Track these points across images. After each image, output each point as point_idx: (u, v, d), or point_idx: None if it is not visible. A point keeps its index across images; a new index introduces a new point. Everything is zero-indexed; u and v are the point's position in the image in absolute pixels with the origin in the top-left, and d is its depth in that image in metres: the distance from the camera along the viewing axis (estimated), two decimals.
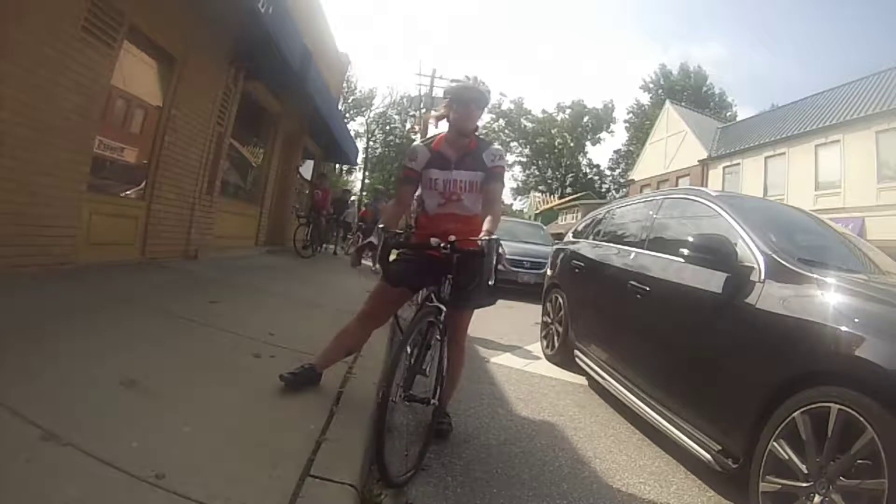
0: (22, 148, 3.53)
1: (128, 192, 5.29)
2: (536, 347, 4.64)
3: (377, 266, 2.61)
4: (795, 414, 1.68)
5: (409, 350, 2.05)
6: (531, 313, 6.23)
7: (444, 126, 2.26)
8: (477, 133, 2.26)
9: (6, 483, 1.27)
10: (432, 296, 2.06)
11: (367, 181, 42.61)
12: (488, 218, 2.07)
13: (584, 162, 52.74)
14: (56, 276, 3.79)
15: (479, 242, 1.92)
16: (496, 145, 2.28)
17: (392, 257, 2.13)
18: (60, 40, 3.71)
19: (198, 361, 2.44)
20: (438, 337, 2.04)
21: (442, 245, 1.98)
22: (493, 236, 1.94)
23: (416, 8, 73.12)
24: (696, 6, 68.64)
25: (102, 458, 1.45)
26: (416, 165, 2.24)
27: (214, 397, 2.04)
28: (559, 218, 42.93)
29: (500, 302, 2.29)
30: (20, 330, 2.40)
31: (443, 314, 2.01)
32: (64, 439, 1.52)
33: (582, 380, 3.74)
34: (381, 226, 2.07)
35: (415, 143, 2.39)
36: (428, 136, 2.35)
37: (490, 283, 1.96)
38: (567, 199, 46.18)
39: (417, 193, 2.34)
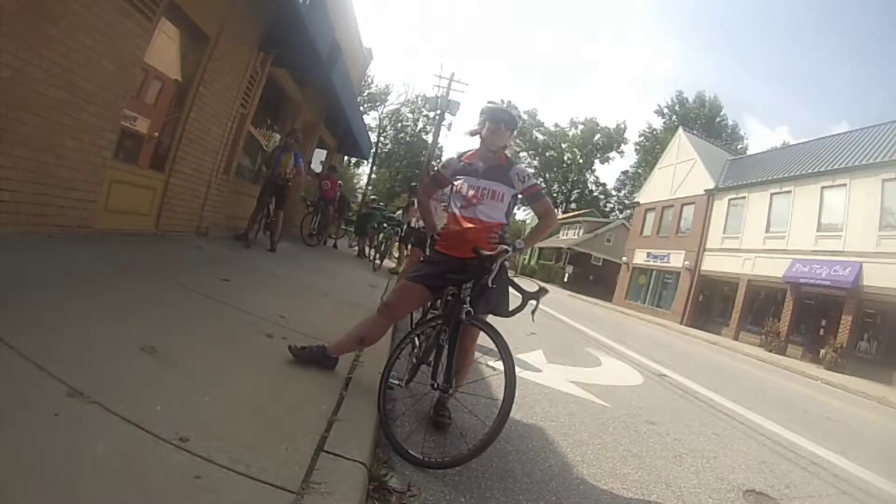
0: (54, 109, 3.60)
1: (149, 164, 5.37)
2: (532, 356, 4.76)
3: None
4: None
5: (416, 342, 2.16)
6: (526, 322, 6.32)
7: (475, 141, 2.46)
8: (506, 152, 2.45)
9: (37, 435, 1.31)
10: (451, 302, 2.21)
11: (374, 176, 42.71)
12: (533, 230, 2.49)
13: (591, 179, 52.98)
14: (73, 239, 3.87)
15: (496, 247, 2.13)
16: (522, 165, 2.46)
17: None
18: (103, 8, 3.78)
19: (214, 335, 2.53)
20: (446, 339, 2.17)
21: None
22: (506, 246, 2.17)
23: (436, 8, 73.45)
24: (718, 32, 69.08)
25: (128, 418, 1.51)
26: (446, 172, 2.48)
27: (231, 371, 2.14)
28: (560, 232, 43.13)
29: None
30: (39, 288, 2.45)
31: (459, 323, 2.15)
32: (90, 397, 1.56)
33: (575, 389, 3.86)
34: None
35: (449, 156, 2.60)
36: (462, 150, 2.55)
37: (492, 285, 2.13)
38: (570, 214, 46.36)
39: (445, 206, 2.50)
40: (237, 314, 3.04)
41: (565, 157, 50.98)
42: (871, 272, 13.72)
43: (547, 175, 51.39)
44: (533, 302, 2.16)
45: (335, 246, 12.39)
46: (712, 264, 20.57)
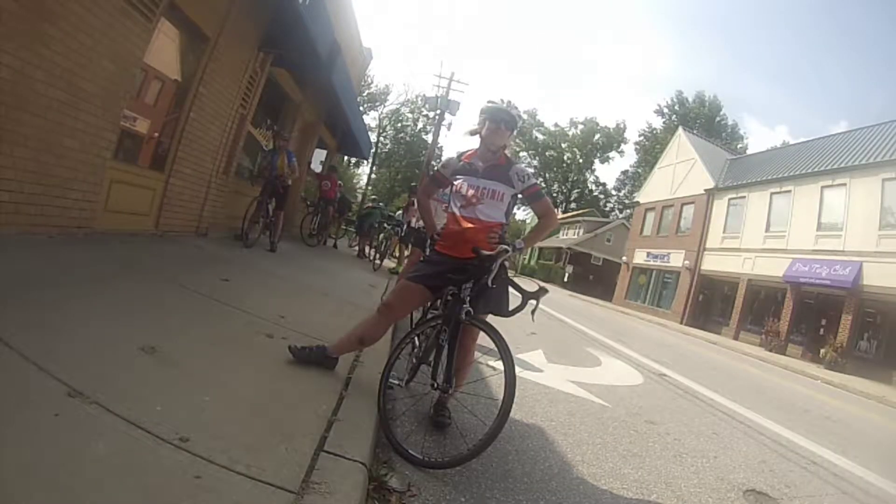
0: (54, 109, 3.60)
1: (148, 164, 5.37)
2: (532, 356, 4.76)
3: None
4: None
5: (416, 342, 2.16)
6: (526, 322, 6.34)
7: (474, 141, 2.45)
8: (506, 151, 2.45)
9: (37, 435, 1.32)
10: (451, 302, 2.21)
11: (374, 176, 42.74)
12: (532, 230, 2.47)
13: (591, 179, 53.00)
14: (73, 239, 3.88)
15: (495, 247, 2.14)
16: (522, 164, 2.45)
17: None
18: (104, 9, 3.78)
19: (213, 335, 2.53)
20: (446, 339, 2.18)
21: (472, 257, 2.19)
22: (506, 246, 2.17)
23: (436, 8, 73.56)
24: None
25: (128, 419, 1.51)
26: (446, 172, 2.47)
27: (231, 371, 2.14)
28: (560, 232, 43.15)
29: None
30: (39, 288, 2.46)
31: (459, 323, 2.16)
32: (90, 397, 1.57)
33: (575, 389, 3.86)
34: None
35: (449, 156, 2.59)
36: (461, 150, 2.54)
37: (491, 285, 2.14)
38: (570, 214, 46.36)
39: (446, 206, 2.50)
40: (237, 314, 3.04)
41: (565, 157, 50.99)
42: (871, 272, 13.72)
43: (547, 175, 51.39)
44: (533, 302, 2.17)
45: (335, 246, 12.40)
46: (712, 264, 20.58)
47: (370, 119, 41.73)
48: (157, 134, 5.38)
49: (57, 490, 1.15)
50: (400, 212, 10.25)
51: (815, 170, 16.71)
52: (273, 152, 6.77)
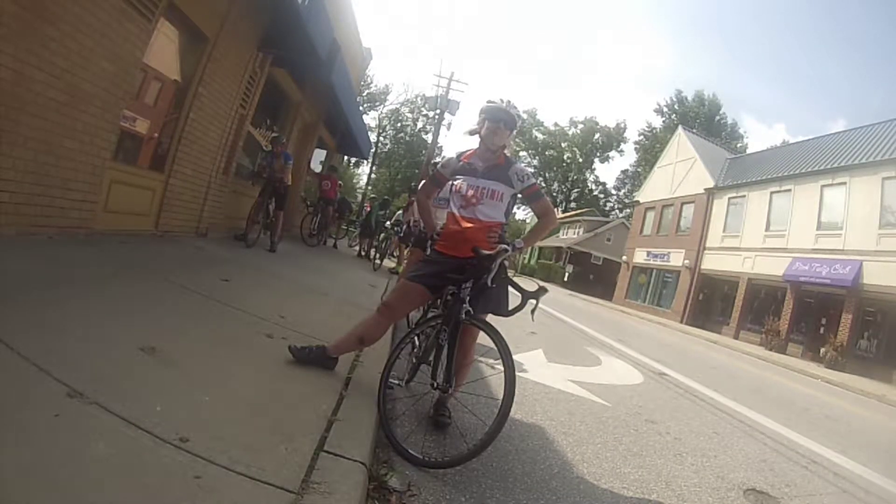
0: (53, 110, 3.60)
1: (148, 164, 5.37)
2: (532, 355, 4.76)
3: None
4: None
5: (416, 342, 2.16)
6: (526, 322, 6.34)
7: (474, 141, 2.45)
8: (505, 151, 2.45)
9: (37, 435, 1.32)
10: (451, 302, 2.22)
11: (374, 176, 42.75)
12: (532, 230, 2.53)
13: (591, 178, 52.99)
14: (73, 240, 3.87)
15: (495, 247, 2.16)
16: (522, 164, 2.46)
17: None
18: (102, 9, 3.79)
19: (213, 335, 2.53)
20: (446, 338, 2.18)
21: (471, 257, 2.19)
22: (505, 245, 2.17)
23: (436, 8, 73.56)
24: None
25: (128, 419, 1.51)
26: (445, 172, 2.48)
27: (230, 371, 2.14)
28: (560, 232, 43.15)
29: None
30: (39, 289, 2.46)
31: (459, 323, 2.16)
32: (90, 398, 1.56)
33: (575, 388, 3.86)
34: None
35: (449, 156, 2.60)
36: (461, 150, 2.54)
37: (491, 284, 2.15)
38: (570, 213, 46.36)
39: (448, 210, 2.50)
40: (237, 314, 3.04)
41: (565, 157, 50.97)
42: (871, 270, 13.71)
43: (546, 174, 51.37)
44: (532, 301, 2.17)
45: (335, 246, 12.40)
46: (712, 263, 20.57)
47: (370, 119, 41.75)
48: (156, 134, 5.38)
49: (57, 490, 1.14)
50: (400, 212, 10.26)
51: (815, 169, 16.69)
52: (271, 154, 6.93)
